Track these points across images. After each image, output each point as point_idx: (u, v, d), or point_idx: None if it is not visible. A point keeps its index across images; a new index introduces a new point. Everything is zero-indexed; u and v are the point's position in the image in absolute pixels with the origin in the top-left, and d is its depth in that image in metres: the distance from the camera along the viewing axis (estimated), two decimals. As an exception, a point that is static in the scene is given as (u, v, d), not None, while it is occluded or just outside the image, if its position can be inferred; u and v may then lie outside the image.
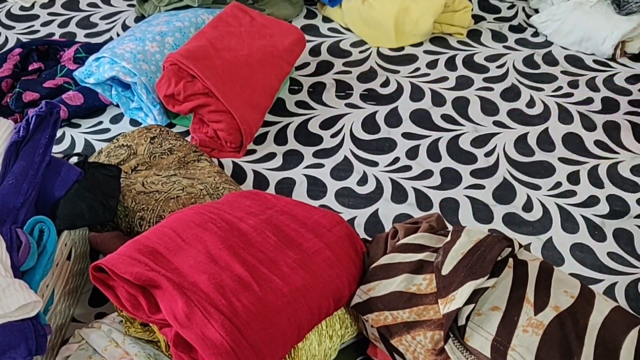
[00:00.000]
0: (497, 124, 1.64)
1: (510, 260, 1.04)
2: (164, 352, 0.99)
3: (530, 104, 1.72)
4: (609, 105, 1.72)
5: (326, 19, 2.04)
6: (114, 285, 0.96)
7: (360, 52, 1.92)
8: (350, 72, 1.83)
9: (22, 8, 2.16)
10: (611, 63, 1.87)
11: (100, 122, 1.65)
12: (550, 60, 1.89)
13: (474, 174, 1.50)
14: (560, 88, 1.77)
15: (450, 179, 1.48)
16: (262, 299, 0.94)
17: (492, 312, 0.95)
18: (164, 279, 0.91)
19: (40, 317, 0.92)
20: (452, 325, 0.93)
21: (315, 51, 1.92)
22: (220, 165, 1.52)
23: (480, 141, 1.59)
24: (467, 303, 0.93)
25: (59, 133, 1.58)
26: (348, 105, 1.71)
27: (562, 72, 1.84)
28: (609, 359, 0.90)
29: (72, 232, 1.12)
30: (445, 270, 0.98)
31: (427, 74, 1.83)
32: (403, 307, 0.98)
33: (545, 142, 1.59)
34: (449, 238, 1.05)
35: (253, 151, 1.55)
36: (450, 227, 1.11)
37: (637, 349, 0.91)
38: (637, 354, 0.91)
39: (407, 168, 1.51)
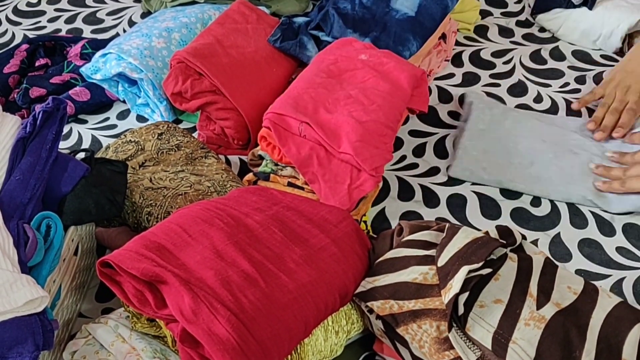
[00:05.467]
0: (504, 119, 1.64)
1: (515, 255, 1.04)
2: (171, 348, 0.99)
3: (538, 99, 1.71)
4: (617, 101, 1.71)
5: (333, 15, 2.03)
6: (120, 281, 0.96)
7: (367, 47, 1.92)
8: (356, 68, 1.82)
9: (28, 4, 2.16)
10: (618, 58, 1.86)
11: (107, 118, 1.66)
12: (557, 55, 1.88)
13: (481, 169, 1.49)
14: (567, 84, 1.76)
15: (457, 175, 1.48)
16: (269, 295, 0.94)
17: (494, 305, 0.95)
18: (171, 274, 0.91)
19: (48, 312, 0.92)
20: (454, 315, 0.93)
21: (321, 47, 1.91)
22: (228, 162, 1.52)
23: (487, 137, 1.58)
24: (462, 289, 0.93)
25: (65, 129, 1.58)
26: (354, 101, 1.70)
27: (569, 67, 1.83)
28: (611, 355, 0.90)
29: (78, 227, 1.12)
30: (441, 262, 0.99)
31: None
32: (409, 298, 0.98)
33: (553, 137, 1.58)
34: (444, 234, 1.05)
35: (260, 147, 1.55)
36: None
37: None
38: (642, 350, 0.91)
39: (414, 165, 1.51)
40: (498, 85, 1.76)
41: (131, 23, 2.04)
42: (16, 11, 2.13)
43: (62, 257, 1.05)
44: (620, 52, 1.87)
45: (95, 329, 1.01)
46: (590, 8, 1.87)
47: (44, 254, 0.99)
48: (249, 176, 1.34)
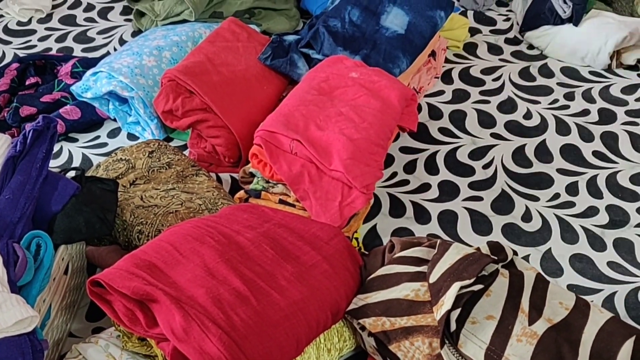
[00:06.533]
0: (495, 136, 1.65)
1: (506, 271, 1.04)
2: (162, 367, 0.98)
3: (527, 115, 1.72)
4: (606, 116, 1.72)
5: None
6: (111, 300, 0.95)
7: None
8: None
9: (19, 23, 2.16)
10: (606, 74, 1.88)
11: (98, 137, 1.66)
12: (546, 72, 1.90)
13: (472, 186, 1.50)
14: (556, 100, 1.78)
15: (449, 191, 1.48)
16: (260, 312, 0.93)
17: (486, 321, 0.95)
18: (162, 293, 0.91)
19: (37, 332, 0.91)
20: (446, 331, 0.93)
21: (312, 65, 1.92)
22: (219, 180, 1.52)
23: (478, 153, 1.59)
24: (454, 306, 0.93)
25: (56, 147, 1.58)
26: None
27: (558, 84, 1.85)
28: (603, 371, 0.90)
29: (69, 246, 1.12)
30: (432, 279, 0.99)
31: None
32: (401, 315, 0.98)
33: (543, 153, 1.59)
34: (436, 251, 1.05)
35: (251, 165, 1.55)
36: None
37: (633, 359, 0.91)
38: (633, 365, 0.91)
39: (405, 182, 1.51)
40: (488, 102, 1.77)
41: (122, 42, 2.04)
42: (6, 30, 2.13)
43: (52, 276, 1.04)
44: (609, 69, 1.89)
45: (85, 349, 1.01)
46: (576, 24, 1.89)
47: (33, 273, 0.98)
48: (240, 194, 1.34)
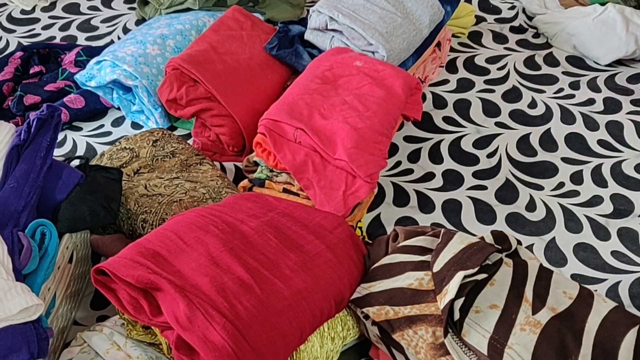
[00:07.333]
0: (499, 124, 1.64)
1: (510, 260, 1.04)
2: (166, 355, 0.99)
3: (532, 105, 1.71)
4: (612, 106, 1.71)
5: (327, 21, 2.03)
6: (115, 288, 0.96)
7: (362, 54, 1.92)
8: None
9: (23, 11, 2.16)
10: (612, 62, 1.87)
11: (102, 125, 1.66)
12: (551, 61, 1.89)
13: (476, 175, 1.49)
14: (561, 90, 1.77)
15: (453, 180, 1.48)
16: (264, 301, 0.94)
17: (490, 310, 0.95)
18: (166, 281, 0.91)
19: (42, 320, 0.92)
20: (449, 320, 0.93)
21: (316, 53, 1.92)
22: (223, 168, 1.52)
23: (483, 142, 1.59)
24: (457, 295, 0.93)
25: (60, 136, 1.59)
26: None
27: (563, 72, 1.84)
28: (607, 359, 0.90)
29: (73, 235, 1.12)
30: (436, 268, 0.99)
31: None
32: (405, 304, 0.98)
33: (548, 142, 1.59)
34: (439, 240, 1.05)
35: (255, 154, 1.55)
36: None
37: (636, 349, 0.91)
38: (636, 354, 0.91)
39: (409, 171, 1.51)
40: (492, 91, 1.76)
41: (125, 30, 2.04)
42: (10, 19, 2.12)
43: (57, 265, 1.04)
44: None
45: (90, 337, 1.01)
46: None
47: (38, 262, 0.98)
48: (244, 182, 1.34)
